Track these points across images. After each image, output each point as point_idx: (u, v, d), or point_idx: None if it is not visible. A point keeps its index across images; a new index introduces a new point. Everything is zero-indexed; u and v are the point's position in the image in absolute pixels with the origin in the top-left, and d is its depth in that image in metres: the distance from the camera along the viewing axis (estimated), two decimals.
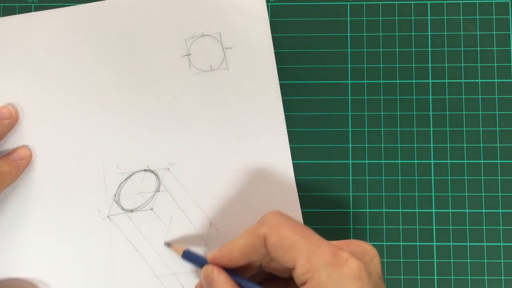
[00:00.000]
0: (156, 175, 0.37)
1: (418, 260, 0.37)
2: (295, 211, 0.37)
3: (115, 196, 0.37)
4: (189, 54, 0.38)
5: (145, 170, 0.37)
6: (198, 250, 0.36)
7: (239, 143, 0.37)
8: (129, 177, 0.37)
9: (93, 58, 0.38)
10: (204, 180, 0.37)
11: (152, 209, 0.37)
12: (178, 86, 0.38)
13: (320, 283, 0.26)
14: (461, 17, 0.39)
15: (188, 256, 0.34)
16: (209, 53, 0.38)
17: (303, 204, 0.38)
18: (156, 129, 0.38)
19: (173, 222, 0.37)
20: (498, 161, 0.38)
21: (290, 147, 0.38)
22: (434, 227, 0.38)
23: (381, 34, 0.39)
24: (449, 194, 0.38)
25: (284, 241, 0.28)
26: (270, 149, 0.37)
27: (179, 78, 0.38)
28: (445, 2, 0.39)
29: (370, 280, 0.27)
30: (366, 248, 0.29)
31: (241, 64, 0.38)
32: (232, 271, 0.30)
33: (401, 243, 0.38)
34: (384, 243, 0.38)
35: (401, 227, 0.38)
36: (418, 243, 0.38)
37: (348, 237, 0.37)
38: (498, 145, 0.38)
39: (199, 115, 0.38)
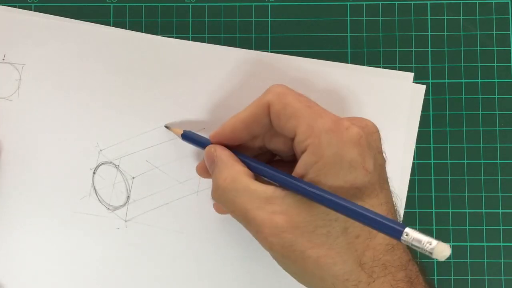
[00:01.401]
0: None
1: (418, 260, 0.37)
2: None
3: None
4: None
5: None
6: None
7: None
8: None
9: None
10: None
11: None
12: None
13: (320, 148, 0.26)
14: (461, 17, 0.39)
15: (188, 136, 0.34)
16: None
17: None
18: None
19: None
20: (498, 161, 0.38)
21: None
22: (434, 227, 0.38)
23: (381, 34, 0.39)
24: (449, 194, 0.38)
25: (287, 108, 0.28)
26: None
27: None
28: (445, 2, 0.39)
29: (369, 150, 0.27)
30: (367, 123, 0.29)
31: None
32: (235, 151, 0.30)
33: None
34: None
35: None
36: None
37: None
38: (498, 145, 0.38)
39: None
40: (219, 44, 0.39)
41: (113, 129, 0.37)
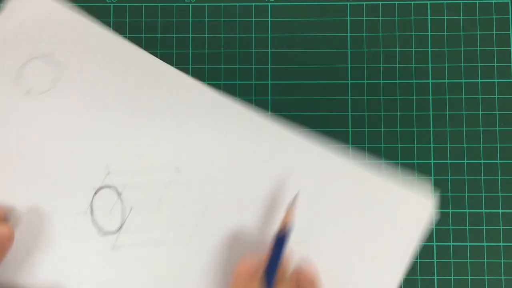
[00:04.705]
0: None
1: (418, 260, 0.37)
2: None
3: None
4: None
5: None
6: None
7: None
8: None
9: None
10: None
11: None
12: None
13: None
14: (461, 17, 0.39)
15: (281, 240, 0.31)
16: None
17: None
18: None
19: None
20: (498, 161, 0.38)
21: None
22: (434, 227, 0.38)
23: (381, 34, 0.39)
24: (449, 194, 0.38)
25: None
26: None
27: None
28: (445, 2, 0.39)
29: None
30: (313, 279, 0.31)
31: None
32: None
33: None
34: None
35: None
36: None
37: None
38: (498, 145, 0.38)
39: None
40: (219, 44, 0.39)
41: (126, 155, 0.37)
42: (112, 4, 0.39)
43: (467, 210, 0.38)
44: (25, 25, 0.38)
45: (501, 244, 0.38)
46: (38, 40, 0.38)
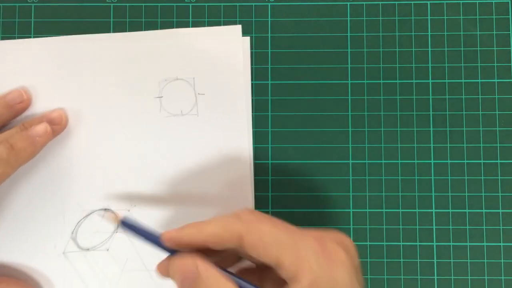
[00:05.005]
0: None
1: (418, 260, 0.37)
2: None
3: (72, 233, 0.36)
4: (161, 97, 0.37)
5: (105, 209, 0.37)
6: None
7: (204, 191, 0.37)
8: (88, 215, 0.37)
9: (61, 94, 0.38)
10: (165, 226, 0.36)
11: (108, 250, 0.36)
12: (147, 127, 0.37)
13: (312, 273, 0.25)
14: (461, 17, 0.39)
15: (128, 225, 0.28)
16: (181, 98, 0.37)
17: (303, 204, 0.38)
18: (121, 169, 0.37)
19: (128, 264, 0.36)
20: (498, 161, 0.38)
21: (290, 146, 0.38)
22: (434, 227, 0.38)
23: (381, 34, 0.39)
24: (449, 194, 0.38)
25: (265, 238, 0.26)
26: (235, 195, 0.37)
27: (149, 119, 0.37)
28: (445, 2, 0.39)
29: (356, 272, 0.27)
30: (347, 242, 0.28)
31: (212, 111, 0.37)
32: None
33: (401, 243, 0.38)
34: (384, 243, 0.38)
35: (401, 227, 0.38)
36: (418, 243, 0.38)
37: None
38: (498, 145, 0.38)
39: (166, 158, 0.37)
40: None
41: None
42: (112, 4, 0.39)
43: (467, 210, 0.38)
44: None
45: (501, 244, 0.38)
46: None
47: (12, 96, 0.36)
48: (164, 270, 0.28)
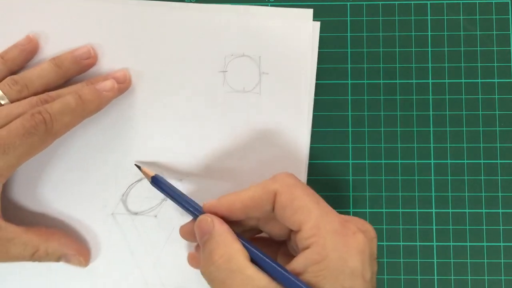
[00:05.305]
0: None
1: (418, 260, 0.37)
2: None
3: (123, 195, 0.37)
4: (225, 71, 0.37)
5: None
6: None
7: (259, 164, 0.37)
8: (140, 180, 0.37)
9: (126, 56, 0.38)
10: (215, 198, 0.37)
11: (156, 216, 0.37)
12: (207, 99, 0.37)
13: (324, 249, 0.26)
14: (461, 17, 0.39)
15: (158, 182, 0.33)
16: (245, 74, 0.38)
17: None
18: (178, 140, 0.37)
19: (174, 233, 0.37)
20: (498, 161, 0.38)
21: None
22: (434, 227, 0.38)
23: (381, 34, 0.39)
24: (449, 194, 0.38)
25: (295, 202, 0.28)
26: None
27: (211, 91, 0.37)
28: (445, 2, 0.39)
29: (370, 259, 0.27)
30: (368, 227, 0.29)
31: (274, 91, 0.37)
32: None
33: (401, 243, 0.38)
34: (384, 243, 0.38)
35: (401, 227, 0.38)
36: (418, 243, 0.38)
37: None
38: (498, 145, 0.38)
39: (221, 132, 0.37)
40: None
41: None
42: None
43: (467, 210, 0.38)
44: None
45: (501, 244, 0.38)
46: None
47: (80, 52, 0.36)
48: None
